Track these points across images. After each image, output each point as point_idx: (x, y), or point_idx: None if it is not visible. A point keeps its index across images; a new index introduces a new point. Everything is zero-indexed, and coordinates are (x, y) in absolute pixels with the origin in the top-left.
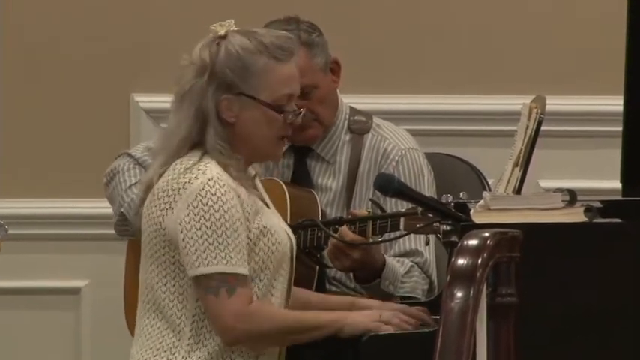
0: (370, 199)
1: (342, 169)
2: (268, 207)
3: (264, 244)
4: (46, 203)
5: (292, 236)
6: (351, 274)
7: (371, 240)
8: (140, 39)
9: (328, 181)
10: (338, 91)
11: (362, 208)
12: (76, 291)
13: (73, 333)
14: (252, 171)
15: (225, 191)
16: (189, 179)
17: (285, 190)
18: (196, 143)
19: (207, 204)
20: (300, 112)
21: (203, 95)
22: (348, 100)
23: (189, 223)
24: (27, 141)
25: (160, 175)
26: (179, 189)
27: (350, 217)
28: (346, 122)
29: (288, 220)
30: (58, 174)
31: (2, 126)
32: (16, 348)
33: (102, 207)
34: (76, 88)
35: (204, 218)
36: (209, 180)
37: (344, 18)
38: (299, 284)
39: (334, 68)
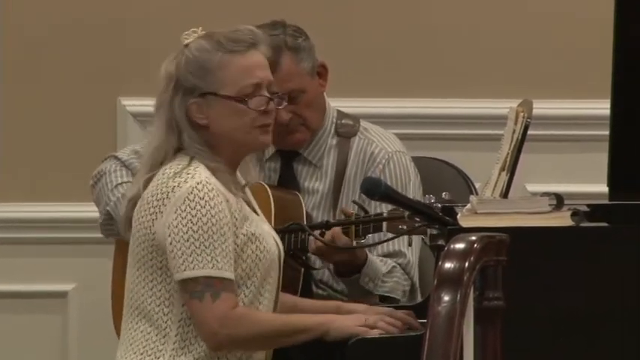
0: (353, 201)
1: (329, 172)
2: (257, 214)
3: (252, 252)
4: (32, 207)
5: (281, 244)
6: (332, 267)
7: (355, 242)
8: (127, 43)
9: (315, 184)
10: (325, 94)
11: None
12: (62, 295)
13: (60, 337)
14: (242, 180)
15: (213, 195)
16: (179, 183)
17: (270, 193)
18: (177, 149)
19: (194, 207)
20: (272, 98)
21: (171, 105)
22: (336, 104)
23: (176, 227)
24: (12, 145)
25: (145, 184)
26: (168, 192)
27: (340, 213)
28: (333, 126)
29: (273, 222)
30: (44, 177)
31: None
32: (3, 352)
33: (88, 210)
34: (63, 92)
35: (192, 222)
36: (197, 184)
37: (332, 22)
38: (284, 286)
39: (321, 72)
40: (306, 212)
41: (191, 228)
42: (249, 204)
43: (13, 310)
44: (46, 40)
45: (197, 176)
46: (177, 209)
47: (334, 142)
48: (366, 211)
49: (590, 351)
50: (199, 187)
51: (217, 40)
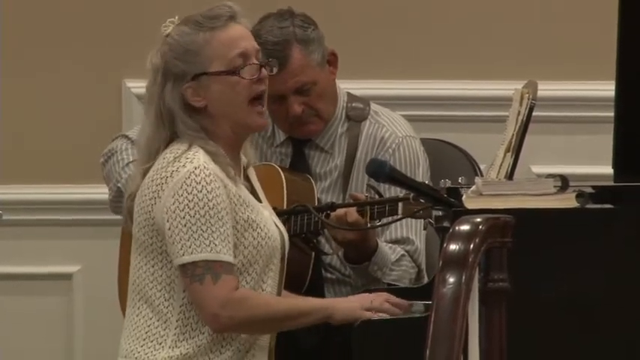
0: (368, 184)
1: (340, 157)
2: (260, 201)
3: (254, 238)
4: (38, 189)
5: (285, 232)
6: (341, 253)
7: (368, 224)
8: (132, 25)
9: (325, 169)
10: (336, 80)
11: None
12: (67, 277)
13: (65, 319)
14: (244, 159)
15: (210, 180)
16: (177, 167)
17: (282, 176)
18: (170, 140)
19: (192, 192)
20: (263, 65)
21: (161, 96)
22: (344, 86)
23: (174, 211)
24: (19, 127)
25: (143, 175)
26: (167, 177)
27: (350, 199)
28: (344, 111)
29: (285, 205)
30: (50, 159)
31: None
32: (8, 334)
33: (94, 192)
34: (69, 74)
35: (189, 207)
36: (195, 168)
37: (339, 3)
38: (295, 270)
39: (331, 60)
40: (317, 197)
41: (188, 213)
42: (251, 189)
43: (18, 292)
44: (51, 21)
45: (195, 160)
46: (174, 193)
47: (345, 127)
48: (380, 195)
49: (595, 332)
50: (197, 171)
51: (195, 21)
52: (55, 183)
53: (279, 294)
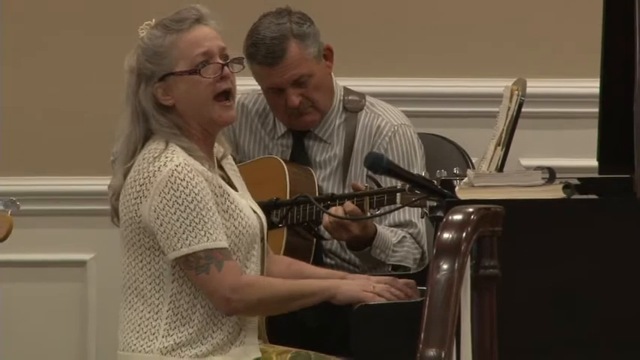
0: (367, 175)
1: (338, 146)
2: (237, 190)
3: (235, 227)
4: (54, 180)
5: (263, 217)
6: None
7: (368, 213)
8: (139, 20)
9: (325, 158)
10: (332, 74)
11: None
12: (82, 264)
13: (80, 303)
14: (220, 149)
15: (193, 175)
16: (159, 167)
17: (285, 168)
18: (146, 138)
19: (177, 189)
20: (225, 64)
21: (136, 96)
22: (340, 84)
23: (163, 209)
24: (35, 120)
25: (125, 174)
26: (149, 177)
27: (352, 189)
28: (341, 103)
29: (288, 195)
30: (65, 153)
31: (9, 106)
32: (26, 318)
33: (107, 184)
34: (86, 69)
35: (178, 203)
36: (177, 166)
37: (336, 3)
38: (298, 256)
39: (327, 55)
40: (318, 186)
41: (178, 208)
42: (228, 180)
43: (35, 278)
44: (59, 19)
45: (175, 159)
46: (160, 192)
47: (342, 118)
48: (379, 185)
49: (583, 319)
50: (179, 169)
51: (164, 25)
52: (70, 175)
53: (262, 273)
